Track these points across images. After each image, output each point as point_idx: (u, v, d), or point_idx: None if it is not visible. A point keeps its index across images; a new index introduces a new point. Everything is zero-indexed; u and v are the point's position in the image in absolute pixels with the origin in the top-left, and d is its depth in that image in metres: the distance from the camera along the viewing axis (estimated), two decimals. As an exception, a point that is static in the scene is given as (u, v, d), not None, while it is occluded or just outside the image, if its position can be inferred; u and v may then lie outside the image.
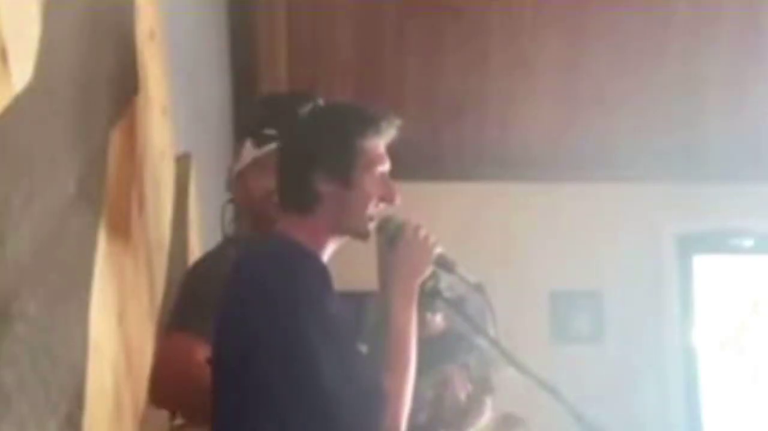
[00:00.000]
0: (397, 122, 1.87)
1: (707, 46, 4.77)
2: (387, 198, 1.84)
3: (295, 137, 1.88)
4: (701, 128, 5.03)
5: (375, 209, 1.83)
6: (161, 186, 2.33)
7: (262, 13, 4.33)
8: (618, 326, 5.08)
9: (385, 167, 1.85)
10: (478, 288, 2.03)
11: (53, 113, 1.41)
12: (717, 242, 5.29)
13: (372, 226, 1.84)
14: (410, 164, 5.02)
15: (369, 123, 1.84)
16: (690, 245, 5.27)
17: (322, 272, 1.75)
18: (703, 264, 5.32)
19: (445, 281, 2.24)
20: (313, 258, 1.76)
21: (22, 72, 1.23)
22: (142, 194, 2.06)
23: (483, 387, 3.69)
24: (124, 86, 1.94)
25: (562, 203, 5.09)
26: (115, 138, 1.82)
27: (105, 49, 1.78)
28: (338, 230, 1.81)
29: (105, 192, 1.72)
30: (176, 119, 2.54)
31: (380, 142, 1.85)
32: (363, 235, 1.84)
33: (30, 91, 1.24)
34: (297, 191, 1.81)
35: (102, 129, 1.74)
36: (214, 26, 3.95)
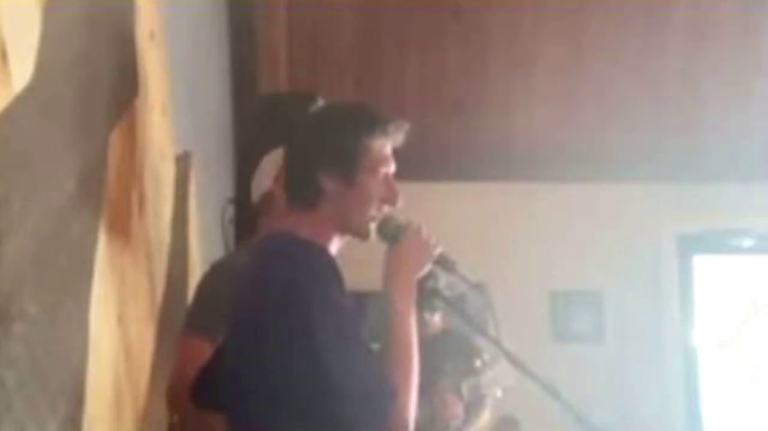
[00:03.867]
0: (405, 125, 1.88)
1: (707, 47, 4.77)
2: (389, 200, 1.85)
3: (303, 134, 1.89)
4: (701, 128, 5.03)
5: (377, 210, 1.84)
6: (161, 186, 2.33)
7: (262, 13, 4.33)
8: (618, 326, 5.08)
9: (389, 168, 1.87)
10: (479, 288, 2.03)
11: (53, 113, 1.41)
12: (717, 242, 5.29)
13: (373, 226, 1.85)
14: (410, 164, 5.03)
15: (377, 124, 1.85)
16: (690, 245, 5.26)
17: (330, 266, 1.75)
18: (703, 264, 5.32)
19: (444, 280, 2.24)
20: (320, 252, 1.76)
21: (22, 72, 1.23)
22: (142, 194, 2.06)
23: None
24: (124, 86, 1.94)
25: (562, 203, 5.09)
26: (115, 138, 1.82)
27: (105, 50, 1.78)
28: (340, 227, 1.83)
29: (105, 192, 1.72)
30: (176, 119, 2.54)
31: (387, 143, 1.86)
32: (363, 235, 1.85)
33: (30, 91, 1.24)
34: (302, 187, 1.82)
35: (102, 129, 1.74)
36: (214, 26, 3.95)
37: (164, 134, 2.36)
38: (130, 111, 1.96)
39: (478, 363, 2.80)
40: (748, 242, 5.24)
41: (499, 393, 3.01)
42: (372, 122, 1.85)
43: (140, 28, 2.05)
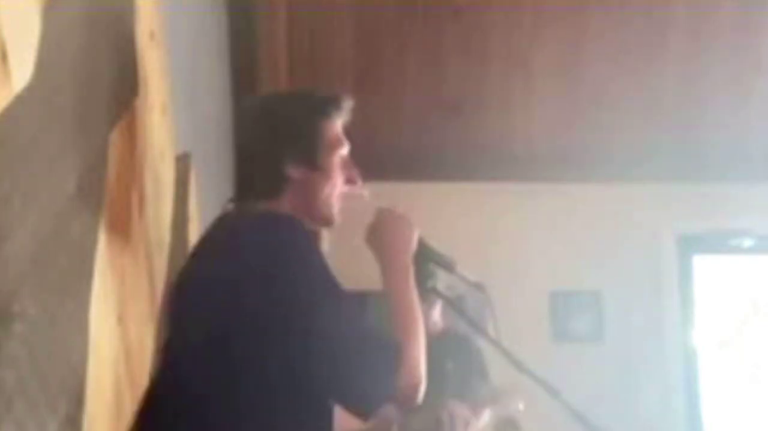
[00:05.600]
0: (351, 102, 1.87)
1: (707, 47, 4.77)
2: (351, 179, 1.84)
3: (258, 125, 1.87)
4: (701, 128, 5.03)
5: (341, 193, 1.83)
6: (161, 186, 2.33)
7: (262, 13, 4.33)
8: (618, 326, 5.08)
9: (345, 149, 1.85)
10: (478, 287, 2.03)
11: (53, 113, 1.41)
12: (717, 242, 5.29)
13: (338, 212, 1.83)
14: (410, 164, 5.05)
15: (331, 105, 1.84)
16: (690, 245, 5.27)
17: (310, 235, 1.73)
18: (703, 264, 5.32)
19: (444, 280, 2.23)
20: (299, 222, 1.72)
21: (22, 72, 1.23)
22: (142, 194, 2.06)
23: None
24: (124, 86, 1.94)
25: (562, 203, 5.10)
26: (115, 138, 1.82)
27: (105, 50, 1.78)
28: (304, 215, 1.79)
29: (105, 192, 1.72)
30: (176, 119, 2.54)
31: (339, 123, 1.85)
32: (328, 220, 1.82)
33: (30, 91, 1.24)
34: (266, 177, 1.80)
35: (102, 129, 1.74)
36: (214, 26, 3.95)
37: (164, 134, 2.36)
38: (130, 111, 1.96)
39: (480, 340, 2.77)
40: (748, 243, 5.25)
41: (521, 406, 3.02)
42: (326, 104, 1.84)
43: (140, 28, 2.05)
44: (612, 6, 4.62)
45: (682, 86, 4.91)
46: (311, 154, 1.79)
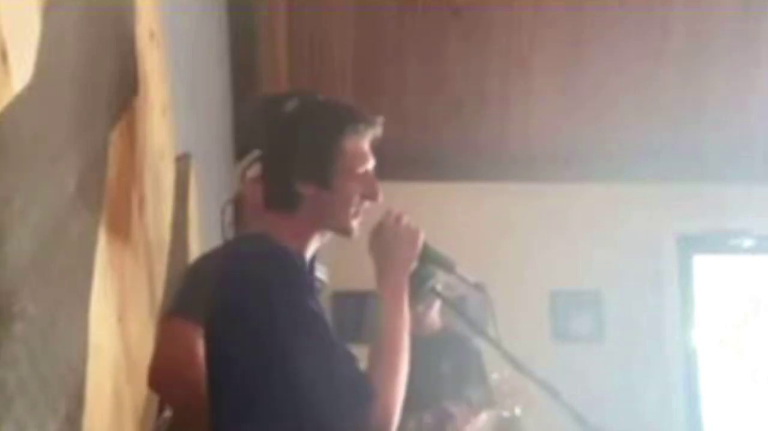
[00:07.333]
0: (378, 119, 1.86)
1: (706, 47, 4.77)
2: (369, 196, 1.84)
3: (276, 140, 1.87)
4: (701, 128, 5.03)
5: (359, 206, 1.83)
6: (161, 186, 2.33)
7: (262, 13, 4.34)
8: (618, 325, 5.08)
9: (367, 165, 1.85)
10: (478, 288, 2.03)
11: (53, 113, 1.41)
12: (717, 242, 5.29)
13: (356, 223, 1.83)
14: (410, 164, 5.05)
15: (347, 124, 1.83)
16: (690, 245, 5.27)
17: (300, 272, 1.75)
18: (703, 264, 5.32)
19: (444, 281, 2.23)
20: (292, 258, 1.76)
21: (22, 72, 1.23)
22: (142, 194, 2.06)
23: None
24: (124, 86, 1.94)
25: (562, 203, 5.09)
26: (115, 138, 1.82)
27: (105, 50, 1.78)
28: (321, 227, 1.82)
29: (105, 192, 1.72)
30: (176, 119, 2.54)
31: (361, 141, 1.84)
32: (347, 232, 1.83)
33: (30, 91, 1.24)
34: (279, 193, 1.82)
35: (102, 129, 1.74)
36: (214, 26, 3.95)
37: (164, 134, 2.36)
38: (130, 111, 1.96)
39: (479, 340, 2.77)
40: (748, 243, 5.25)
41: (517, 411, 3.01)
42: (343, 124, 1.83)
43: (140, 28, 2.05)
44: (611, 6, 4.63)
45: (682, 86, 4.91)
46: (322, 174, 1.80)
